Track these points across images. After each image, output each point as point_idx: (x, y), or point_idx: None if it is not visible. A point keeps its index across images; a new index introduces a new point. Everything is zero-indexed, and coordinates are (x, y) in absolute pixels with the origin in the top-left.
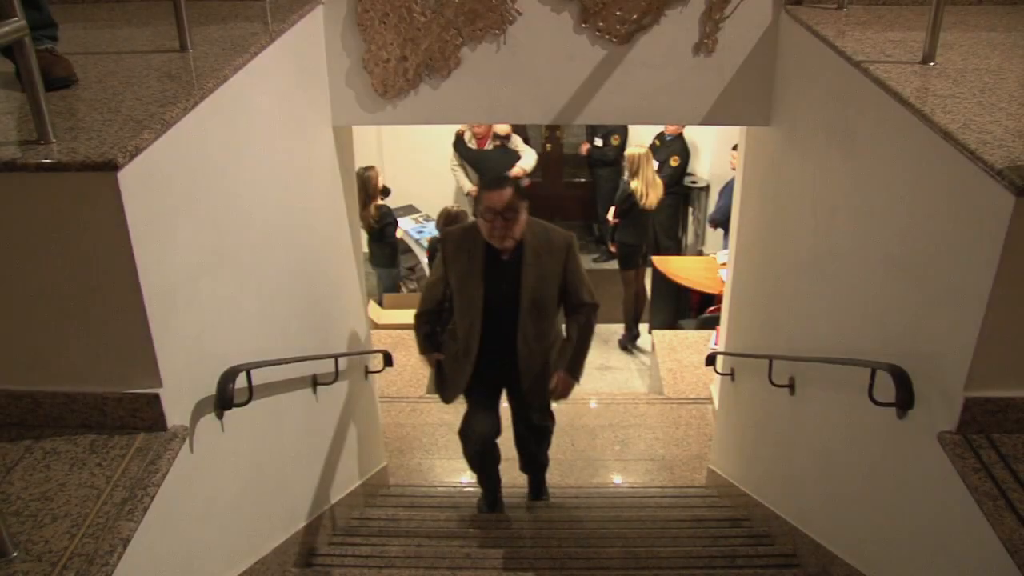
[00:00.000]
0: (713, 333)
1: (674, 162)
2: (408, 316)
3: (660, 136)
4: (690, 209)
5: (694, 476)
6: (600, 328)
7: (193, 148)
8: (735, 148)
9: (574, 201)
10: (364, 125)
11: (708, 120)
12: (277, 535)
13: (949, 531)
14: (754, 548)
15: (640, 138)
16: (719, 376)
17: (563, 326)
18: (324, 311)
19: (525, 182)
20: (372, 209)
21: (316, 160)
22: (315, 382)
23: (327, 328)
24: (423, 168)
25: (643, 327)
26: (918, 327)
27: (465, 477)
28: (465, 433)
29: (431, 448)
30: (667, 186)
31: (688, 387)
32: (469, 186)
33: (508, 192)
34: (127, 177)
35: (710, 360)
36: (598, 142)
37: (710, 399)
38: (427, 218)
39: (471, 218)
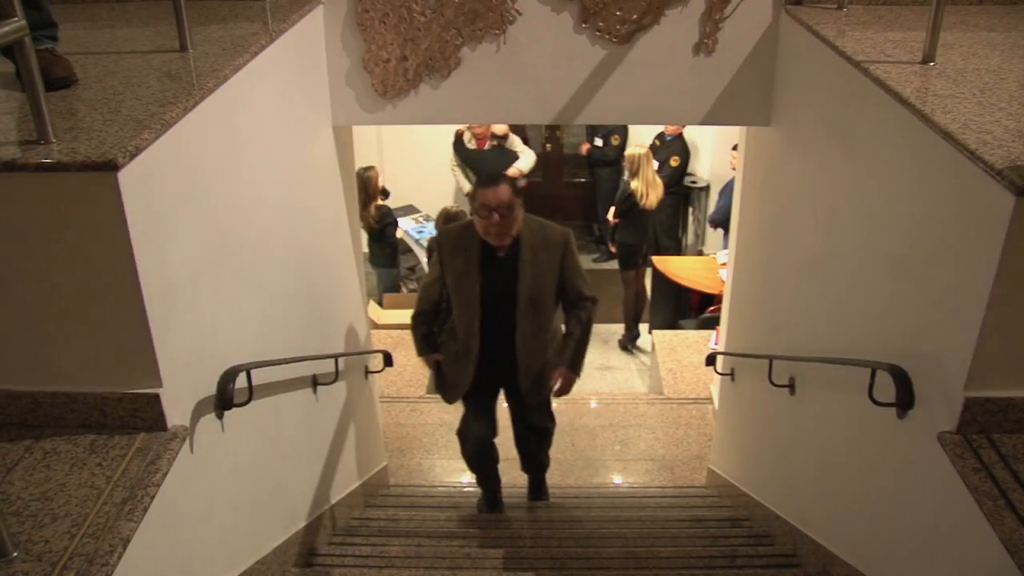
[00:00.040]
0: (713, 333)
1: (674, 162)
2: (408, 316)
3: (660, 136)
4: (690, 209)
5: (694, 476)
6: (600, 328)
7: (193, 148)
8: (735, 148)
9: (574, 201)
10: (364, 125)
11: (708, 120)
12: (277, 535)
13: (949, 531)
14: (754, 548)
15: (640, 138)
16: (719, 376)
17: (561, 325)
18: (324, 311)
19: (521, 183)
20: (372, 209)
21: (316, 160)
22: (315, 382)
23: (327, 328)
24: (423, 168)
25: (643, 327)
26: (918, 327)
27: (465, 477)
28: (463, 434)
29: (431, 448)
30: (667, 186)
31: (688, 387)
32: (468, 186)
33: (503, 189)
34: (127, 177)
35: (710, 360)
36: (598, 142)
37: (710, 399)
38: (427, 218)
39: (470, 218)
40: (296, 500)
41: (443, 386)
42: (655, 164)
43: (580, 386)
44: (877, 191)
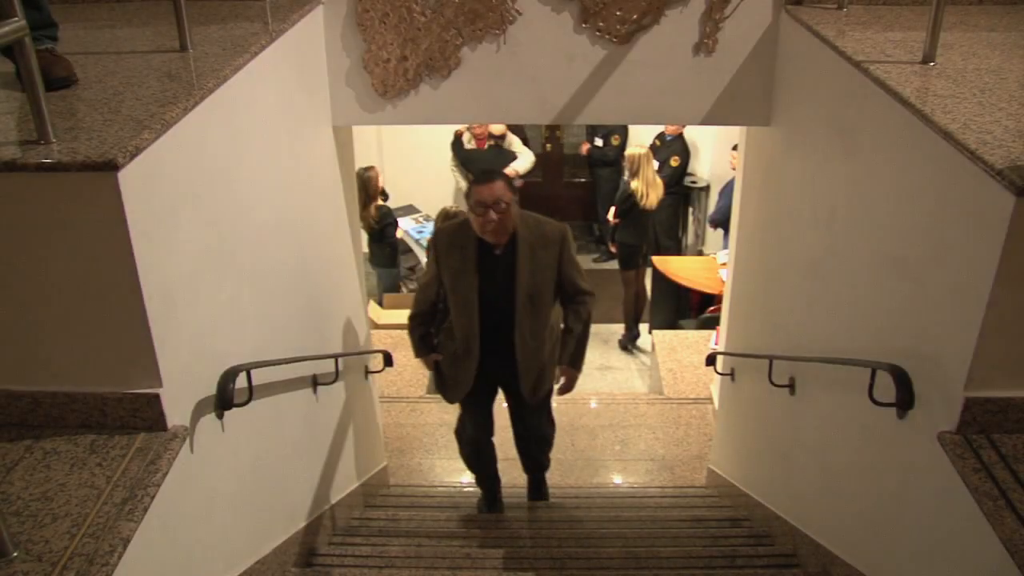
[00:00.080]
0: (713, 333)
1: (674, 162)
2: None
3: (660, 136)
4: (690, 209)
5: (694, 476)
6: (600, 328)
7: (193, 148)
8: (735, 148)
9: (574, 201)
10: (364, 125)
11: (708, 120)
12: (277, 535)
13: (949, 531)
14: (754, 548)
15: (640, 138)
16: (719, 376)
17: (559, 321)
18: (324, 311)
19: (518, 183)
20: (372, 209)
21: (316, 160)
22: (315, 382)
23: (327, 328)
24: (423, 168)
25: (643, 327)
26: (918, 327)
27: (465, 477)
28: (460, 433)
29: (431, 448)
30: (667, 186)
31: (688, 387)
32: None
33: (498, 185)
34: (127, 177)
35: (710, 360)
36: (598, 142)
37: (710, 399)
38: (427, 218)
39: (466, 216)
40: (296, 500)
41: (443, 386)
42: (655, 164)
43: (580, 386)
44: (877, 191)
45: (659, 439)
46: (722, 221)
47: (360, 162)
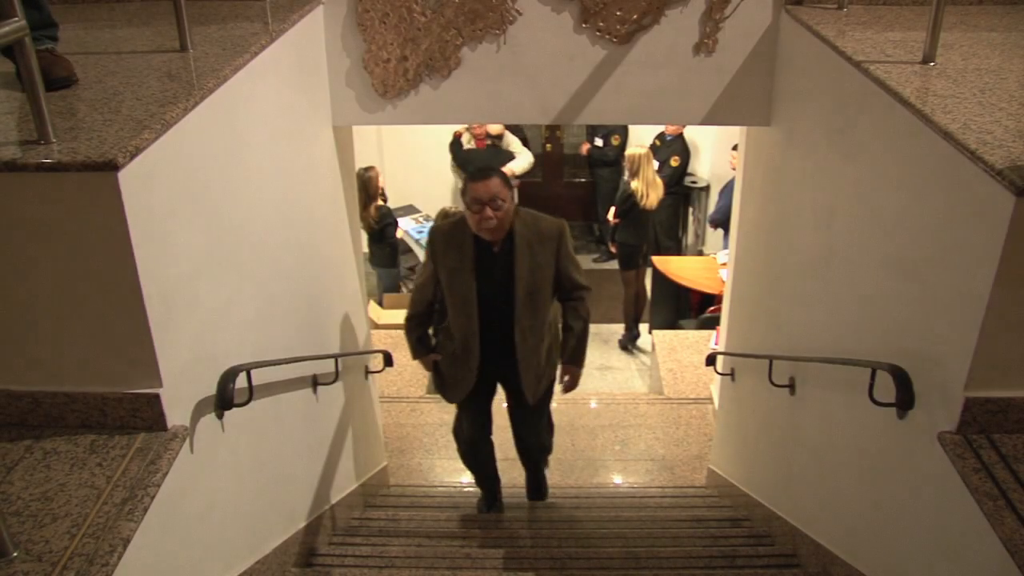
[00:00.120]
0: (713, 333)
1: (674, 162)
2: None
3: (660, 136)
4: (690, 209)
5: (694, 476)
6: (600, 328)
7: (193, 148)
8: (735, 148)
9: (574, 201)
10: (364, 125)
11: (708, 120)
12: (277, 535)
13: (949, 531)
14: (754, 548)
15: (640, 138)
16: (719, 376)
17: (557, 318)
18: (324, 311)
19: (514, 183)
20: (372, 210)
21: (316, 160)
22: (315, 382)
23: (327, 328)
24: (423, 168)
25: (643, 327)
26: (918, 327)
27: (465, 477)
28: (458, 433)
29: (431, 448)
30: (667, 186)
31: (688, 387)
32: None
33: (494, 182)
34: (127, 177)
35: (710, 360)
36: (598, 142)
37: (710, 399)
38: (427, 218)
39: (462, 213)
40: (296, 500)
41: (443, 386)
42: (655, 164)
43: (580, 386)
44: (877, 191)
45: (659, 439)
46: (722, 221)
47: (360, 162)
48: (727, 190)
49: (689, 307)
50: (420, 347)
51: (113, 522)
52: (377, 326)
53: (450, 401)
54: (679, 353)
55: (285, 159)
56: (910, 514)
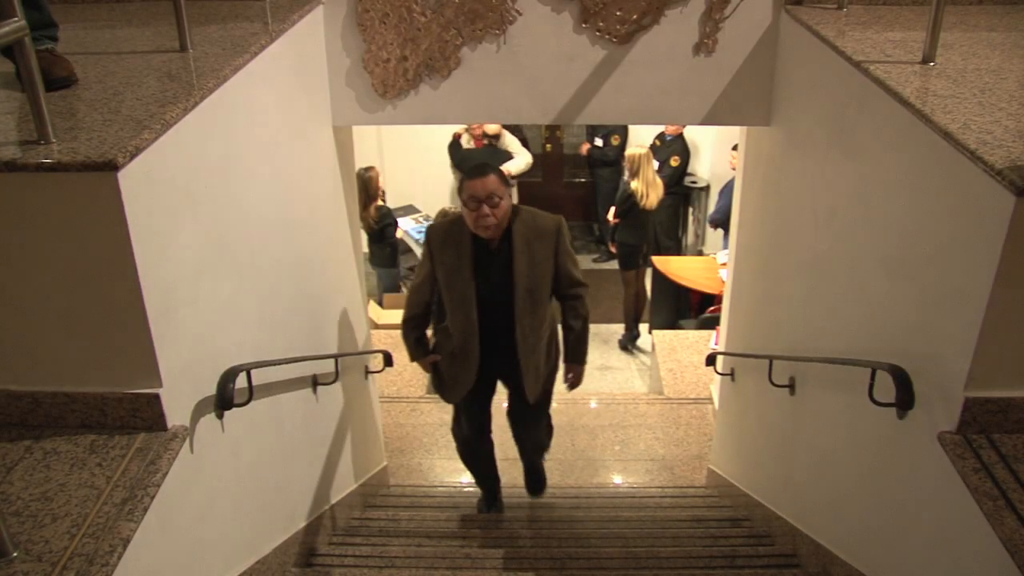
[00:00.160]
0: (713, 333)
1: (674, 162)
2: None
3: (660, 136)
4: (690, 209)
5: (694, 476)
6: (600, 328)
7: (193, 148)
8: (735, 148)
9: (574, 201)
10: (364, 125)
11: (708, 120)
12: (277, 535)
13: (949, 531)
14: (754, 548)
15: (640, 138)
16: (719, 376)
17: (555, 315)
18: (324, 311)
19: (511, 183)
20: (372, 210)
21: (316, 160)
22: (315, 382)
23: (327, 328)
24: (423, 168)
25: (643, 327)
26: (918, 327)
27: (465, 477)
28: (457, 432)
29: (431, 448)
30: (667, 186)
31: (688, 387)
32: None
33: (491, 179)
34: (127, 177)
35: (710, 360)
36: (598, 142)
37: (710, 399)
38: (427, 218)
39: (459, 211)
40: (296, 500)
41: (442, 386)
42: (655, 164)
43: (580, 386)
44: (877, 191)
45: (659, 439)
46: (722, 221)
47: (360, 162)
48: (727, 190)
49: (689, 307)
50: (418, 349)
51: (113, 522)
52: (377, 326)
53: (449, 401)
54: (679, 353)
55: (285, 159)
56: (910, 514)
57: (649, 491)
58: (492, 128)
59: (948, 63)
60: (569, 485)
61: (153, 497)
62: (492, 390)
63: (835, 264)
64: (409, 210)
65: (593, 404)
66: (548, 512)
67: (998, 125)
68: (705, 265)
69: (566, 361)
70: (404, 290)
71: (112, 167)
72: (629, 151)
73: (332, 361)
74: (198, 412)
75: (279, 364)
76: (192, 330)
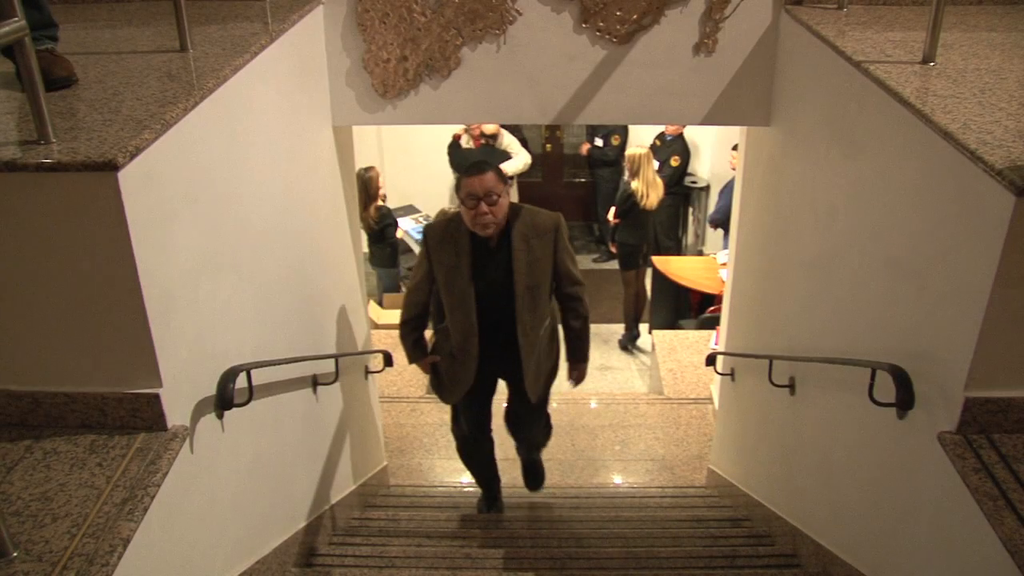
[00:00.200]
0: (713, 333)
1: (674, 162)
2: None
3: (660, 136)
4: (690, 209)
5: (694, 476)
6: (600, 328)
7: (193, 148)
8: (735, 148)
9: (574, 201)
10: (364, 125)
11: (708, 120)
12: (277, 535)
13: (949, 531)
14: (754, 548)
15: (640, 138)
16: (719, 376)
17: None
18: (324, 311)
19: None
20: (372, 210)
21: (316, 160)
22: (315, 382)
23: (327, 328)
24: (423, 168)
25: (643, 327)
26: (918, 327)
27: (465, 477)
28: (457, 432)
29: (431, 448)
30: (667, 186)
31: (688, 387)
32: None
33: (489, 177)
34: (127, 177)
35: (710, 360)
36: (598, 142)
37: (710, 399)
38: (427, 218)
39: (456, 210)
40: (296, 500)
41: (441, 387)
42: (655, 164)
43: (580, 386)
44: (877, 191)
45: (659, 439)
46: (722, 221)
47: (360, 162)
48: (727, 190)
49: (689, 307)
50: (417, 351)
51: (113, 522)
52: (377, 326)
53: (447, 402)
54: (679, 353)
55: (285, 159)
56: (910, 514)
57: (649, 491)
58: (490, 128)
59: (948, 63)
60: (569, 485)
61: (153, 497)
62: (493, 389)
63: (835, 264)
64: (409, 210)
65: (593, 404)
66: (548, 512)
67: (998, 125)
68: (705, 265)
69: (569, 359)
70: (404, 290)
71: (112, 167)
72: (629, 151)
73: (332, 361)
74: (198, 412)
75: (279, 364)
76: (192, 330)
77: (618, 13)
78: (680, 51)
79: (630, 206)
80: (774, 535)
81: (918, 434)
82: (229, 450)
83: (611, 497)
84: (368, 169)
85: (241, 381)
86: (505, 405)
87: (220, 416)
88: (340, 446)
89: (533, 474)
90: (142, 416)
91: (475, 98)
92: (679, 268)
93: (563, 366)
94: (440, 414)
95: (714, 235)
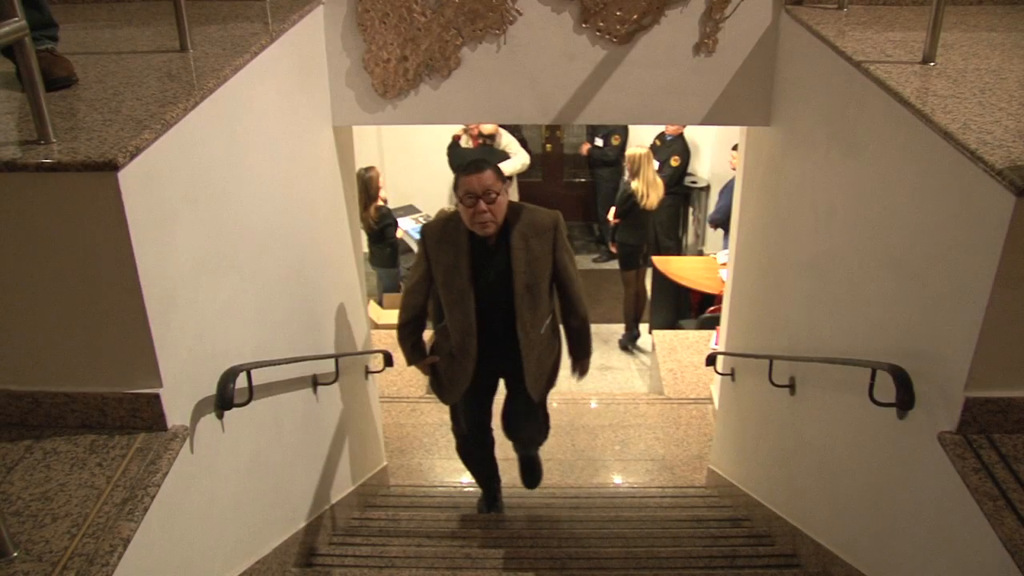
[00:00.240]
0: (713, 333)
1: (675, 162)
2: None
3: (661, 136)
4: (690, 209)
5: (694, 476)
6: (600, 328)
7: (193, 148)
8: (735, 148)
9: (574, 201)
10: (364, 125)
11: (708, 120)
12: (277, 535)
13: (949, 531)
14: (754, 548)
15: (641, 138)
16: (719, 376)
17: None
18: (324, 311)
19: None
20: (372, 210)
21: (316, 160)
22: (315, 382)
23: (327, 328)
24: (423, 168)
25: (643, 327)
26: (918, 327)
27: (465, 477)
28: (457, 430)
29: (431, 448)
30: (668, 186)
31: (688, 387)
32: None
33: (487, 175)
34: (127, 177)
35: (710, 360)
36: (598, 142)
37: (710, 399)
38: (427, 218)
39: (454, 209)
40: (296, 500)
41: (440, 387)
42: (655, 164)
43: (580, 386)
44: (877, 191)
45: (659, 439)
46: (722, 221)
47: (360, 162)
48: (727, 190)
49: (689, 307)
50: (415, 353)
51: (113, 522)
52: (377, 326)
53: (447, 402)
54: (679, 353)
55: (285, 159)
56: (910, 514)
57: (649, 491)
58: (488, 128)
59: (948, 63)
60: (569, 485)
61: (153, 497)
62: (493, 389)
63: (835, 264)
64: (409, 210)
65: (593, 404)
66: (548, 512)
67: (998, 125)
68: (705, 265)
69: (571, 355)
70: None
71: (112, 167)
72: (629, 151)
73: (332, 361)
74: (198, 412)
75: (279, 364)
76: (192, 330)
77: (618, 13)
78: (680, 51)
79: (630, 206)
80: (774, 535)
81: (918, 434)
82: (229, 450)
83: (611, 497)
84: (368, 169)
85: (241, 381)
86: (503, 405)
87: (220, 416)
88: (340, 446)
89: (530, 472)
90: (142, 416)
91: (475, 98)
92: (679, 268)
93: (564, 364)
94: (440, 414)
95: (714, 235)
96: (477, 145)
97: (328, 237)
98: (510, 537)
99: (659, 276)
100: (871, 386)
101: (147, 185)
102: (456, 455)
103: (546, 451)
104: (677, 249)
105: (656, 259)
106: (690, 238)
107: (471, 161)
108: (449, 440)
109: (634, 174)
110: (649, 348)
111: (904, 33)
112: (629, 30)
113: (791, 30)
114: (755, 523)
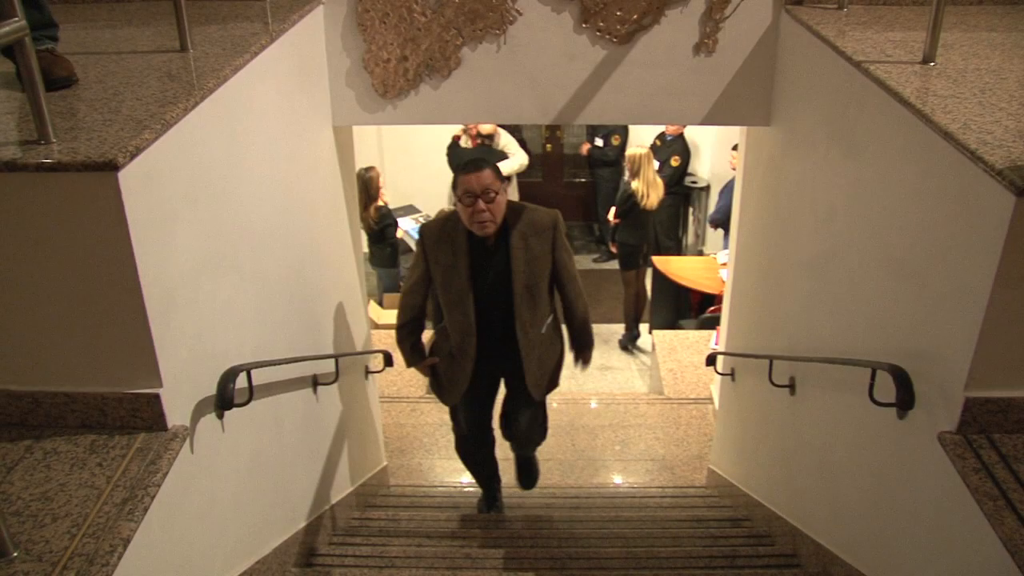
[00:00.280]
0: (713, 333)
1: (675, 162)
2: None
3: (661, 136)
4: (690, 209)
5: (694, 476)
6: (600, 328)
7: (193, 148)
8: (735, 148)
9: (574, 201)
10: (364, 125)
11: (708, 120)
12: (277, 535)
13: (949, 531)
14: (754, 548)
15: (641, 138)
16: (719, 376)
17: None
18: (324, 311)
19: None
20: (372, 210)
21: (316, 160)
22: (315, 382)
23: (327, 328)
24: (423, 168)
25: (643, 327)
26: (918, 327)
27: (465, 477)
28: (457, 430)
29: (431, 448)
30: (668, 186)
31: (688, 387)
32: None
33: (487, 174)
34: (127, 177)
35: (710, 360)
36: (599, 142)
37: (710, 399)
38: (427, 218)
39: (453, 209)
40: (296, 500)
41: (440, 388)
42: (656, 164)
43: (580, 386)
44: (877, 191)
45: (659, 439)
46: (722, 221)
47: (360, 162)
48: (727, 190)
49: (689, 307)
50: (415, 355)
51: (113, 522)
52: (377, 326)
53: (447, 403)
54: (679, 353)
55: (285, 159)
56: (910, 514)
57: (649, 491)
58: (486, 128)
59: (948, 63)
60: (569, 485)
61: (153, 497)
62: (494, 389)
63: (835, 264)
64: (409, 210)
65: (593, 404)
66: (548, 512)
67: (998, 125)
68: (705, 265)
69: (573, 350)
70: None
71: (112, 167)
72: (630, 151)
73: (332, 361)
74: (198, 412)
75: (279, 364)
76: (192, 330)
77: (618, 13)
78: (680, 51)
79: (630, 206)
80: (774, 535)
81: (918, 434)
82: (229, 450)
83: (611, 497)
84: (368, 169)
85: (241, 381)
86: (502, 405)
87: (220, 416)
88: (340, 446)
89: (527, 472)
90: (142, 416)
91: (475, 98)
92: (679, 268)
93: (566, 364)
94: (440, 414)
95: (714, 235)
96: (476, 145)
97: (328, 237)
98: (510, 537)
99: (659, 276)
100: (871, 386)
101: (147, 185)
102: (456, 455)
103: (546, 451)
104: (677, 249)
105: (656, 259)
106: (690, 238)
107: (469, 160)
108: (449, 440)
109: (634, 174)
110: (649, 348)
111: (904, 33)
112: (629, 30)
113: (791, 30)
114: (755, 523)
